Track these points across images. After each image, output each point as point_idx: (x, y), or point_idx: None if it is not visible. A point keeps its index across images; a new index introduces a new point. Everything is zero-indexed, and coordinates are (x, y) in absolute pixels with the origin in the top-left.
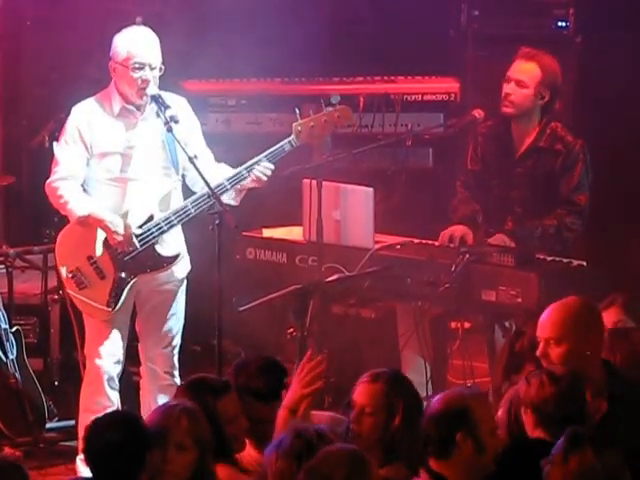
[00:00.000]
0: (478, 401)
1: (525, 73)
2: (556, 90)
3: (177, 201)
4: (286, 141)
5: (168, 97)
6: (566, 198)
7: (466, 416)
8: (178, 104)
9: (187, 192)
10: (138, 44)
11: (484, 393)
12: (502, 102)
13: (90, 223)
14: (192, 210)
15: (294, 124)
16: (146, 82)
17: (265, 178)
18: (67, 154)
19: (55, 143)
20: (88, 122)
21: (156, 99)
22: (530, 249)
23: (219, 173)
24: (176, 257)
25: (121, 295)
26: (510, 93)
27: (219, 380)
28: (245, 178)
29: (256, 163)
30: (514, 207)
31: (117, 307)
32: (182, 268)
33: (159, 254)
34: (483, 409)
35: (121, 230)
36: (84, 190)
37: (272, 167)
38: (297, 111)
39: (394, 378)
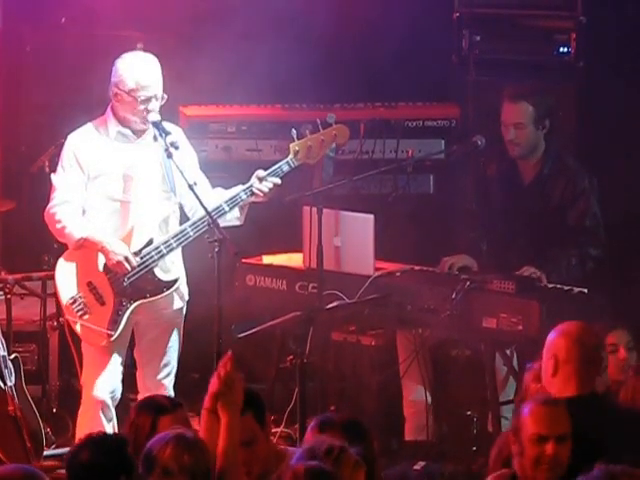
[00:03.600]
0: None
1: (519, 115)
2: (553, 113)
3: (175, 225)
4: (284, 162)
5: (166, 125)
6: (583, 227)
7: None
8: (175, 133)
9: (185, 220)
10: (146, 75)
11: None
12: (507, 147)
13: (87, 247)
14: (191, 233)
15: (291, 144)
16: (150, 111)
17: (266, 190)
18: (64, 179)
19: (52, 174)
20: (84, 147)
21: (157, 125)
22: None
23: (216, 200)
24: (175, 281)
25: (121, 321)
26: (513, 139)
27: (169, 399)
28: (243, 200)
29: (252, 185)
30: (520, 236)
31: (117, 333)
32: (181, 297)
33: (159, 278)
34: None
35: (118, 250)
36: (83, 215)
37: (278, 182)
38: (294, 132)
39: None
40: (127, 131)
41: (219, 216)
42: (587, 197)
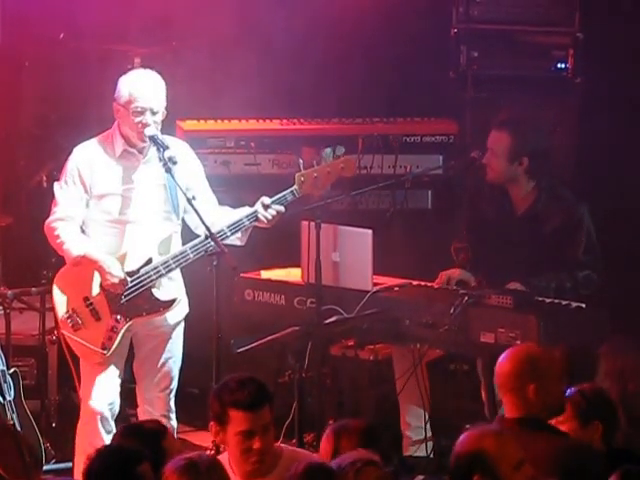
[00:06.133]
0: (496, 439)
1: (495, 142)
2: (537, 153)
3: (177, 245)
4: (288, 191)
5: (171, 141)
6: (577, 261)
7: (482, 458)
8: (180, 148)
9: (190, 235)
10: (141, 88)
11: (503, 430)
12: None
13: (85, 264)
14: (191, 255)
15: (297, 174)
16: (145, 126)
17: (270, 218)
18: (66, 195)
19: (56, 183)
20: (88, 163)
21: (154, 140)
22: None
23: (221, 217)
24: (173, 302)
25: (116, 338)
26: (487, 163)
27: (154, 422)
28: (246, 225)
29: (256, 212)
30: (511, 267)
31: (112, 350)
32: (179, 312)
33: (156, 298)
34: (502, 447)
35: (114, 272)
36: (83, 231)
37: (282, 210)
38: (300, 161)
39: None
40: (133, 150)
41: (221, 240)
42: (582, 229)
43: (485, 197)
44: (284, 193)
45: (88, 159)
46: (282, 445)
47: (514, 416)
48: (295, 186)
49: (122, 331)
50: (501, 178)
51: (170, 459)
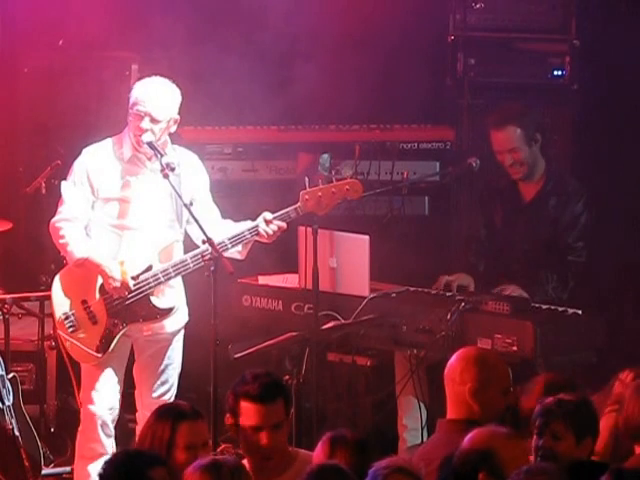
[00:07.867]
0: (505, 441)
1: (510, 140)
2: (541, 126)
3: (178, 254)
4: (292, 208)
5: (181, 152)
6: (570, 245)
7: (490, 457)
8: (189, 159)
9: (192, 247)
10: (145, 93)
11: (514, 433)
12: (508, 172)
13: (87, 267)
14: (191, 264)
15: (302, 192)
16: (141, 130)
17: (271, 233)
18: (73, 195)
19: (64, 182)
20: (97, 165)
21: (152, 146)
22: (527, 298)
23: (223, 230)
24: (170, 310)
25: (111, 342)
26: (512, 163)
27: (192, 407)
28: (247, 239)
29: (258, 226)
30: (519, 255)
31: (105, 354)
32: (180, 319)
33: (153, 305)
34: (510, 449)
35: (117, 276)
36: (87, 234)
37: (284, 226)
38: (306, 179)
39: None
40: (141, 155)
41: (222, 252)
42: (581, 220)
43: (495, 196)
44: (287, 210)
45: (97, 161)
46: (299, 449)
47: (453, 417)
48: (299, 204)
49: (118, 336)
50: (530, 167)
51: None
